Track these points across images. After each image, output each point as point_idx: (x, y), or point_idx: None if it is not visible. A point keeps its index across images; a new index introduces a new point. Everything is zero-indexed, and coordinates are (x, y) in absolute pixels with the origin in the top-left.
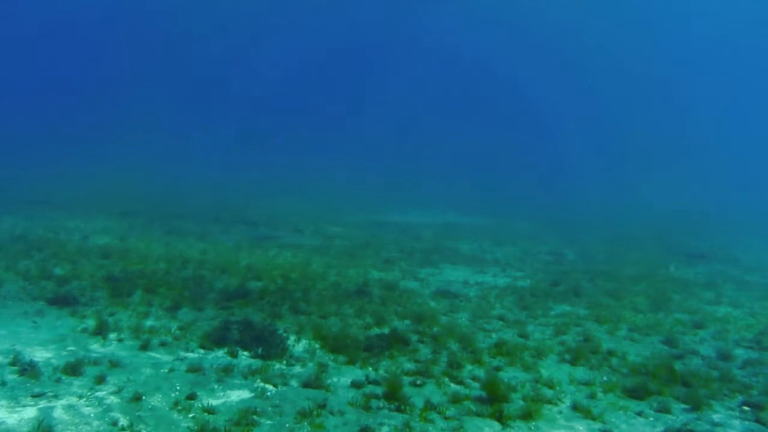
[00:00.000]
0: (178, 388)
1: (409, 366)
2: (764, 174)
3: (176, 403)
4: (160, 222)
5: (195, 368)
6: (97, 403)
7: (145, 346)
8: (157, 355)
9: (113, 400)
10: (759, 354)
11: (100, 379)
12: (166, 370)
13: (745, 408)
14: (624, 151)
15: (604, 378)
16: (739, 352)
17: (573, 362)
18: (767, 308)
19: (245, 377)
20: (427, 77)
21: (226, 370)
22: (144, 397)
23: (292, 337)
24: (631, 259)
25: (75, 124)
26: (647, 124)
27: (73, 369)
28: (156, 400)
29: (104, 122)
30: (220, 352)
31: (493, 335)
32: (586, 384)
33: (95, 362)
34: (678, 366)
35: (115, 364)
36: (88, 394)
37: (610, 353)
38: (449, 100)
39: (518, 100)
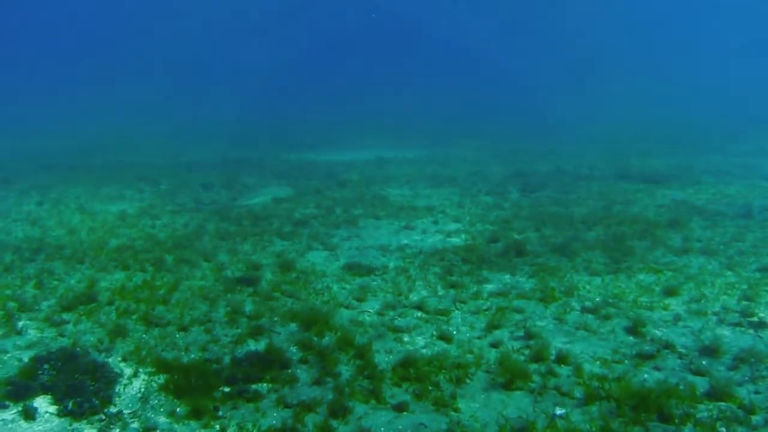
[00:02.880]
0: None
1: (274, 418)
2: (731, 86)
3: None
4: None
5: None
6: None
7: None
8: None
9: None
10: (753, 340)
11: None
12: None
13: None
14: (590, 67)
15: (555, 412)
16: (726, 337)
17: (507, 386)
18: (744, 254)
19: None
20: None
21: None
22: None
23: (128, 371)
24: (583, 194)
25: None
26: (613, 38)
27: None
28: None
29: None
30: (9, 413)
31: (405, 339)
32: None
33: None
34: (650, 376)
35: None
36: None
37: (560, 360)
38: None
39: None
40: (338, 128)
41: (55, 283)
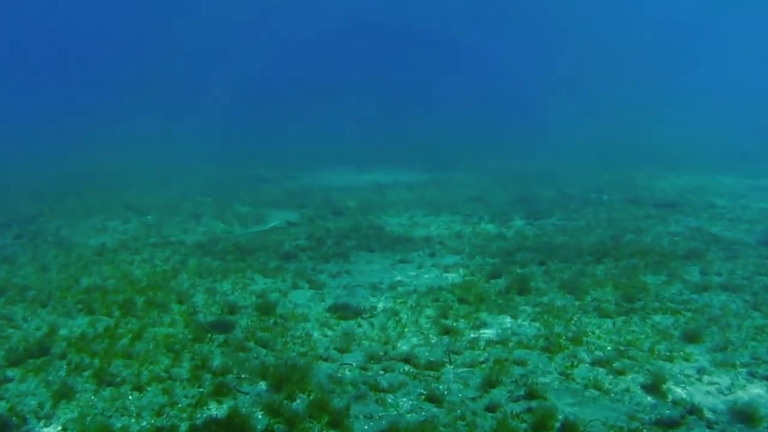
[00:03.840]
0: None
1: None
2: (739, 101)
3: None
4: None
5: None
6: None
7: None
8: None
9: None
10: None
11: None
12: None
13: None
14: (593, 81)
15: None
16: (763, 398)
17: None
18: None
19: None
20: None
21: None
22: None
23: None
24: (591, 221)
25: None
26: (617, 49)
27: None
28: None
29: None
30: None
31: (389, 401)
32: None
33: None
34: None
35: None
36: None
37: (567, 429)
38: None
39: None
40: (335, 148)
41: (10, 331)
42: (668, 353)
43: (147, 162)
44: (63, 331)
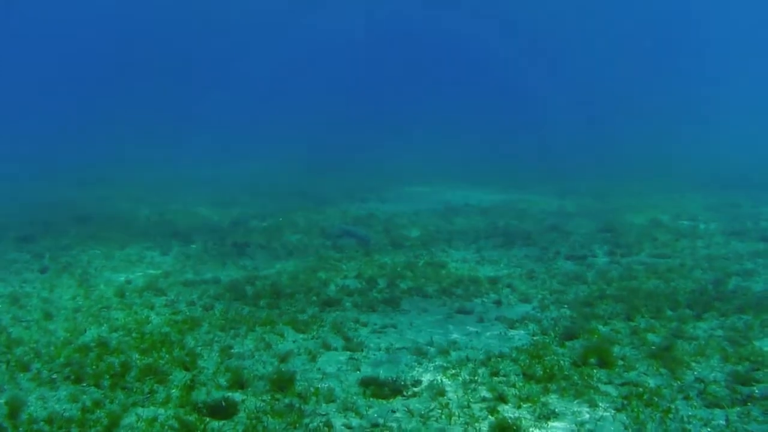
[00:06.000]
0: None
1: None
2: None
3: None
4: None
5: None
6: None
7: None
8: None
9: None
10: None
11: None
12: None
13: None
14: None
15: None
16: None
17: None
18: None
19: None
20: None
21: None
22: None
23: None
24: (687, 259)
25: None
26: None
27: None
28: None
29: None
30: None
31: None
32: None
33: None
34: None
35: None
36: None
37: None
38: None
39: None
40: (407, 165)
41: None
42: None
43: (212, 182)
44: (32, 407)
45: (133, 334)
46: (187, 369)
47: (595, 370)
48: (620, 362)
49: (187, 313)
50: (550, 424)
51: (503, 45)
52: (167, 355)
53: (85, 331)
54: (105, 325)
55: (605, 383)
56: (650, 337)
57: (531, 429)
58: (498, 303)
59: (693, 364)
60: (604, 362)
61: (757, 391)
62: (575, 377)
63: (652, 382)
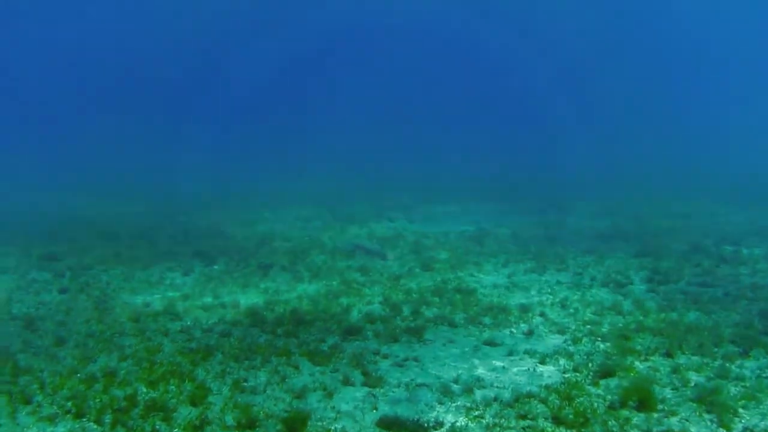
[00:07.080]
0: None
1: None
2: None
3: None
4: None
5: None
6: None
7: None
8: None
9: None
10: None
11: None
12: None
13: None
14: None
15: None
16: None
17: None
18: None
19: None
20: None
21: None
22: None
23: None
24: (730, 287)
25: None
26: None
27: None
28: None
29: None
30: None
31: None
32: None
33: None
34: None
35: None
36: None
37: None
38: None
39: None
40: (447, 184)
41: None
42: None
43: (245, 198)
44: None
45: (143, 364)
46: (195, 404)
47: (632, 414)
48: (660, 406)
49: (202, 341)
50: None
51: (536, 66)
52: (176, 387)
53: (94, 358)
54: (115, 353)
55: (644, 431)
56: (692, 375)
57: None
58: (529, 333)
59: (740, 409)
60: (643, 404)
61: None
62: (610, 423)
63: (694, 431)
